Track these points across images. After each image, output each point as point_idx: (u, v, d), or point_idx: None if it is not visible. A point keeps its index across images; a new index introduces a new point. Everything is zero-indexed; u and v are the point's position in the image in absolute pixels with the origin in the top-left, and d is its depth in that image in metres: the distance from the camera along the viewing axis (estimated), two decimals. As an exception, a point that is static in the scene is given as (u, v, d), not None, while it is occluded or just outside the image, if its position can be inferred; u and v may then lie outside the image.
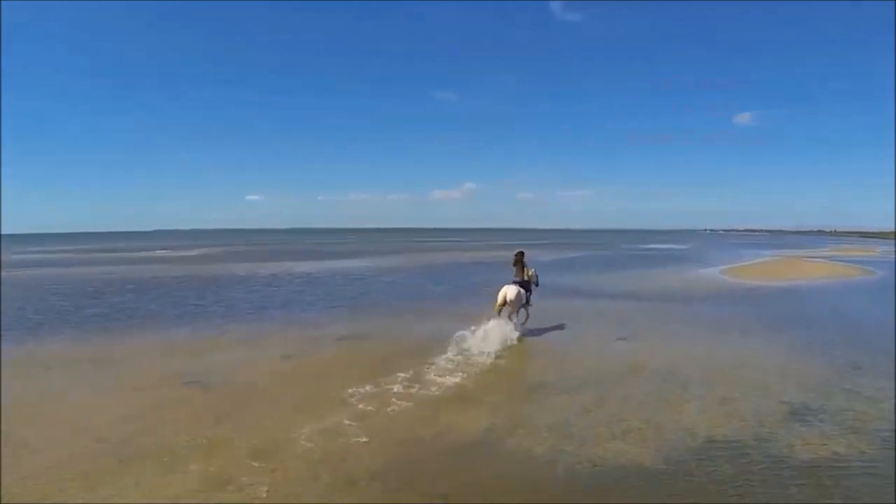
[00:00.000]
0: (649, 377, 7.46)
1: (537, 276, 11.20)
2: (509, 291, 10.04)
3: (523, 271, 10.80)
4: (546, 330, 11.07)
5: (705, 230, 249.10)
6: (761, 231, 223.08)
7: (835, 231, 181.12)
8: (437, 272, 26.80)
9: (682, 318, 12.71)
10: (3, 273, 27.16)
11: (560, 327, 11.39)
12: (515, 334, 9.90)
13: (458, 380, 7.33)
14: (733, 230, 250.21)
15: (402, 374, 7.50)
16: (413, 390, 6.90)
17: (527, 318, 10.85)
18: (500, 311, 10.01)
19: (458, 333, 9.40)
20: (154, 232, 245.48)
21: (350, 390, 6.93)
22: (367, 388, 7.02)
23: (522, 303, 10.43)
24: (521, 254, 11.07)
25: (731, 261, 34.70)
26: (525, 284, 10.60)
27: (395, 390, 6.88)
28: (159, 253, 48.91)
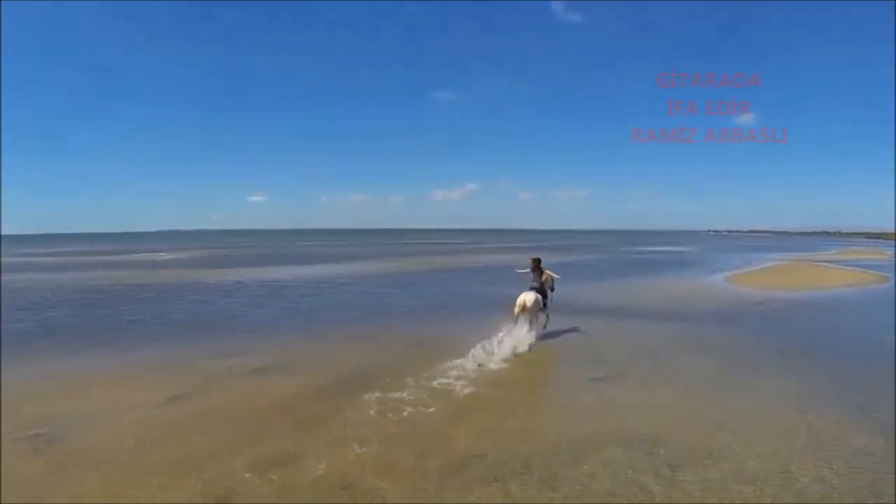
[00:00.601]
0: (624, 450, 5.32)
1: (554, 282, 11.48)
2: (528, 298, 10.38)
3: (541, 277, 11.15)
4: (511, 361, 9.07)
5: (709, 231, 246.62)
6: (765, 232, 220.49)
7: (839, 232, 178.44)
8: (420, 280, 24.80)
9: (679, 345, 10.52)
10: None
11: (530, 356, 9.40)
12: (532, 339, 10.13)
13: (359, 450, 5.28)
14: (737, 231, 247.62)
15: (279, 443, 5.52)
16: (277, 472, 4.88)
17: (546, 323, 11.17)
18: (517, 318, 10.24)
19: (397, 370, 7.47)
20: (157, 233, 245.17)
21: (204, 465, 5.02)
22: (225, 462, 5.07)
23: (540, 307, 10.74)
24: (538, 260, 11.40)
25: (738, 266, 32.50)
26: (542, 290, 10.95)
27: (248, 476, 4.82)
28: (141, 256, 47.08)
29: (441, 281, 24.12)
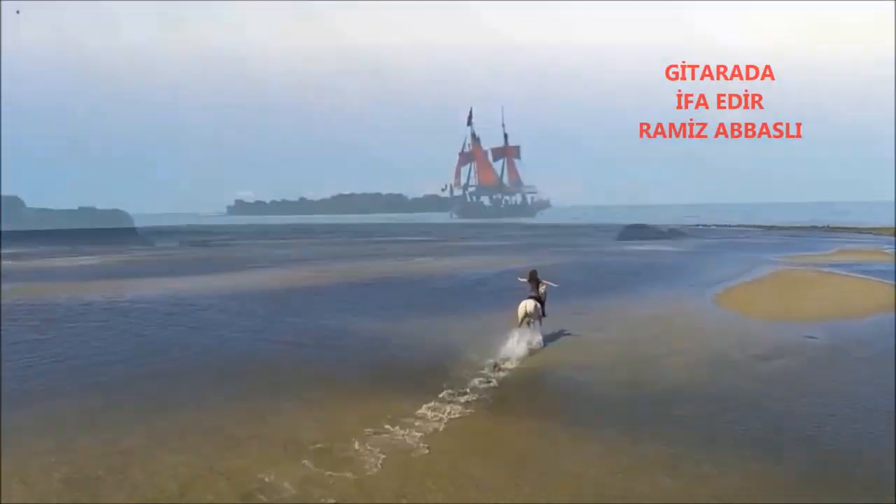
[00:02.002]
0: None
1: (546, 294, 12.48)
2: (528, 304, 11.71)
3: (538, 287, 12.30)
4: None
5: (696, 225, 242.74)
6: (754, 227, 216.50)
7: (828, 227, 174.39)
8: (312, 301, 19.15)
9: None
10: None
11: None
12: (539, 338, 11.74)
13: None
14: (725, 225, 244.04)
15: None
16: None
17: (539, 328, 11.98)
18: (521, 323, 11.53)
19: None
20: (137, 229, 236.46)
21: None
22: None
23: (539, 314, 11.90)
24: (535, 272, 12.68)
25: (730, 274, 26.62)
26: (540, 299, 12.07)
27: None
28: (37, 262, 40.79)
29: (340, 303, 18.33)
